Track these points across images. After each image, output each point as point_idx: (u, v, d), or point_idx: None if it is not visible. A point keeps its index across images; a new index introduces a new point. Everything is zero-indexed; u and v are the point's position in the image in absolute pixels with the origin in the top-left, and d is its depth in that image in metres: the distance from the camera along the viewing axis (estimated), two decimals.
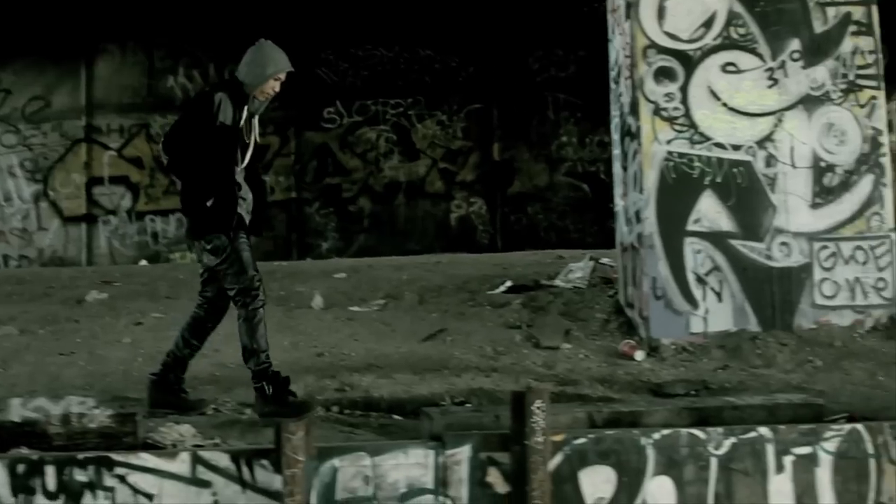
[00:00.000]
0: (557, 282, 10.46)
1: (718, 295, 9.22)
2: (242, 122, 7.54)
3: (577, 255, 11.97)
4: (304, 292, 10.43)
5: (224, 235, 7.50)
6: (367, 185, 15.96)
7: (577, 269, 10.54)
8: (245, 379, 8.33)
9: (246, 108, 7.51)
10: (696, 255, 9.22)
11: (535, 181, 16.03)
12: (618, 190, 9.97)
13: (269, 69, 7.53)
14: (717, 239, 9.24)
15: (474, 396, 8.26)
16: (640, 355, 8.98)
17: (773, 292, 9.26)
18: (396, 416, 7.98)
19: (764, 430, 7.19)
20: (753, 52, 9.33)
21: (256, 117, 7.68)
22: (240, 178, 7.63)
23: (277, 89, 7.64)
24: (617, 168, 9.99)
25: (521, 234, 15.88)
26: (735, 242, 9.26)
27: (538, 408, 6.84)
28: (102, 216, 15.72)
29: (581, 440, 7.08)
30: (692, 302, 9.20)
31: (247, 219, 7.66)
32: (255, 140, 7.72)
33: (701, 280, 9.22)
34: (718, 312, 9.22)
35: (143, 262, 14.80)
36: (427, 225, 15.96)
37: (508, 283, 10.54)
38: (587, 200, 15.94)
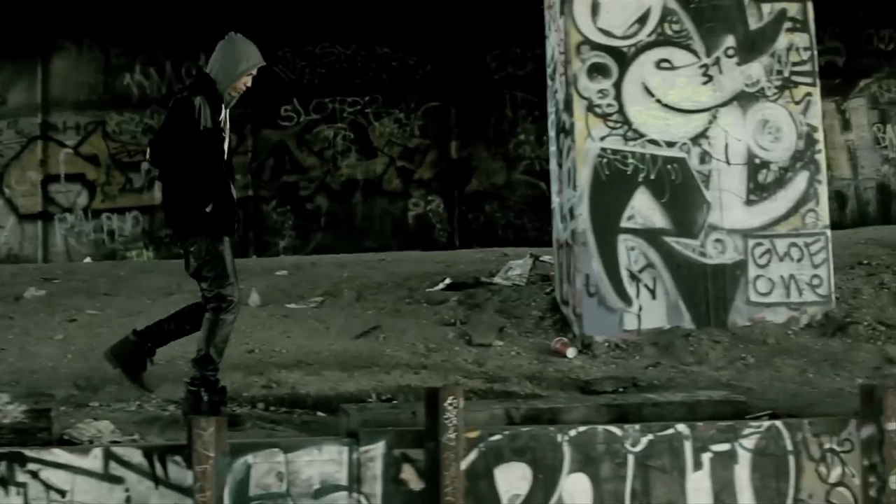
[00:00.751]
0: (497, 279, 10.44)
1: (652, 292, 9.20)
2: (222, 122, 7.53)
3: (527, 252, 11.93)
4: (242, 289, 10.36)
5: (207, 238, 7.49)
6: (325, 184, 15.91)
7: (516, 267, 10.53)
8: (172, 376, 8.32)
9: (223, 106, 7.49)
10: (630, 252, 9.20)
11: (492, 179, 15.99)
12: (554, 187, 9.96)
13: (242, 66, 7.47)
14: (650, 236, 9.22)
15: (401, 393, 8.25)
16: (571, 352, 8.95)
17: (708, 289, 9.24)
18: (321, 413, 7.96)
19: (681, 427, 7.16)
20: (688, 48, 9.32)
21: (228, 112, 7.65)
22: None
23: (250, 84, 7.60)
24: (553, 165, 9.98)
25: (478, 233, 15.84)
26: (669, 239, 9.24)
27: (450, 405, 6.81)
28: (58, 214, 15.65)
29: (496, 437, 7.04)
30: (625, 299, 9.18)
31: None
32: (229, 136, 7.71)
33: (634, 277, 9.20)
34: (652, 310, 9.21)
35: (87, 260, 14.74)
36: (384, 223, 15.92)
37: (447, 281, 10.51)
38: (545, 198, 15.80)
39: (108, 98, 15.77)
